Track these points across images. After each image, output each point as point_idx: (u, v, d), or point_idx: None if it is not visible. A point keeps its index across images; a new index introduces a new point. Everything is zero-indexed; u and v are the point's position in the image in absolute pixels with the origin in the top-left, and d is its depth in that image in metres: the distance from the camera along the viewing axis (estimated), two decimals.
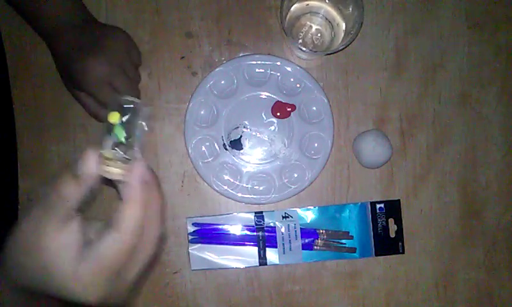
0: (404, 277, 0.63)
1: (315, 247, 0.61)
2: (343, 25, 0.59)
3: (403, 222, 0.63)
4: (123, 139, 0.34)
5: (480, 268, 0.64)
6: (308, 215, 0.62)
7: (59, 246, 0.31)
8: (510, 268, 0.64)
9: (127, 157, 0.34)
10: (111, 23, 0.61)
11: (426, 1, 0.64)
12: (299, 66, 0.61)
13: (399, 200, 0.63)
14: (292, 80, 0.62)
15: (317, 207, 0.62)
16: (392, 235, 0.62)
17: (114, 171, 0.33)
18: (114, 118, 0.33)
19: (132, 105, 0.34)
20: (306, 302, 0.62)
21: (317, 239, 0.61)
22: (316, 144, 0.62)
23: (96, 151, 0.33)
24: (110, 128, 0.33)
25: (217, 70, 0.61)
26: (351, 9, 0.57)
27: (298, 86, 0.62)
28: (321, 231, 0.62)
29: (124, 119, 0.34)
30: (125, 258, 0.32)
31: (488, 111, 0.64)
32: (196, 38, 0.63)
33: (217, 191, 0.61)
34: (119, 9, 0.62)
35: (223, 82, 0.61)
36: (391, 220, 0.63)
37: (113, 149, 0.33)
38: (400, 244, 0.62)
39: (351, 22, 0.57)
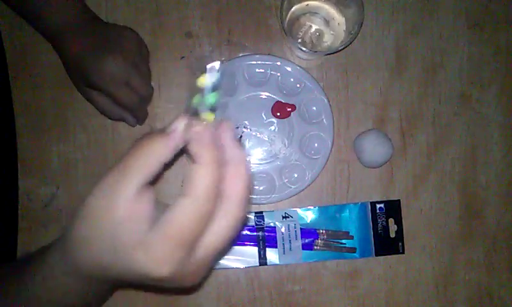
0: (404, 277, 0.63)
1: (315, 247, 0.61)
2: (343, 26, 0.59)
3: (403, 222, 0.63)
4: (212, 101, 0.31)
5: (480, 268, 0.64)
6: (308, 215, 0.62)
7: (131, 216, 0.29)
8: (510, 268, 0.64)
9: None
10: (111, 23, 0.61)
11: (426, 1, 0.64)
12: (299, 66, 0.61)
13: (399, 200, 0.63)
14: (292, 80, 0.62)
15: (317, 207, 0.62)
16: (392, 235, 0.62)
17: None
18: (203, 80, 0.31)
19: (214, 66, 0.32)
20: (306, 302, 0.62)
21: (317, 239, 0.61)
22: (316, 144, 0.62)
23: (186, 115, 0.30)
24: (194, 95, 0.31)
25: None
26: (350, 9, 0.57)
27: (298, 86, 0.62)
28: (321, 231, 0.62)
29: (212, 80, 0.31)
30: (199, 226, 0.29)
31: (487, 111, 0.64)
32: (196, 38, 0.63)
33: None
34: (119, 9, 0.62)
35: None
36: (391, 220, 0.63)
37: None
38: (400, 243, 0.62)
39: (351, 22, 0.57)
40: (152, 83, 0.62)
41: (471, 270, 0.64)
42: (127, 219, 0.29)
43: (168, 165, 0.30)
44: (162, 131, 0.30)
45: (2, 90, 0.61)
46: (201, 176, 0.29)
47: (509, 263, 0.64)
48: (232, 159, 0.30)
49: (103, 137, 0.62)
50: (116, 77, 0.53)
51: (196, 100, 0.31)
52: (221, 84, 0.32)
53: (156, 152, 0.29)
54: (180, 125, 0.30)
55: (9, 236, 0.60)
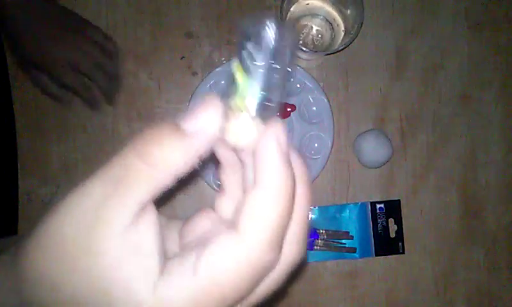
0: (404, 277, 0.63)
1: (316, 247, 0.61)
2: (343, 26, 0.59)
3: (403, 222, 0.63)
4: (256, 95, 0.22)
5: (480, 268, 0.64)
6: (309, 215, 0.62)
7: (128, 258, 0.18)
8: (510, 268, 0.64)
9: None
10: (111, 23, 0.61)
11: (426, 1, 0.64)
12: (299, 66, 0.61)
13: (399, 200, 0.63)
14: (292, 80, 0.62)
15: (317, 207, 0.62)
16: (392, 235, 0.62)
17: (246, 134, 0.20)
18: (238, 71, 0.23)
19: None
20: (306, 302, 0.62)
21: (318, 239, 0.61)
22: (316, 144, 0.62)
23: (221, 102, 0.21)
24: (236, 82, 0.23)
25: (217, 70, 0.61)
26: (351, 9, 0.57)
27: (298, 86, 0.62)
28: (321, 231, 0.62)
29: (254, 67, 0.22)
30: (253, 284, 0.19)
31: (488, 111, 0.64)
32: (196, 38, 0.63)
33: (217, 191, 0.61)
34: (119, 9, 0.62)
35: (223, 82, 0.61)
36: (391, 220, 0.63)
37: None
38: (400, 243, 0.62)
39: (351, 23, 0.57)
40: (152, 83, 0.62)
41: (471, 270, 0.64)
42: (124, 257, 0.18)
43: (183, 182, 0.20)
44: (178, 125, 0.19)
45: (2, 90, 0.61)
46: (266, 215, 0.18)
47: (509, 263, 0.64)
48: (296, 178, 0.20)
49: (103, 137, 0.62)
50: (63, 62, 0.52)
51: (242, 87, 0.22)
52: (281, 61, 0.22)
53: (168, 160, 0.19)
54: (214, 118, 0.20)
55: (9, 236, 0.60)
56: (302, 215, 0.20)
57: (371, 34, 0.63)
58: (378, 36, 0.64)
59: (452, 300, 0.63)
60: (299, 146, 0.62)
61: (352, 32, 0.55)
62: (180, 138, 0.19)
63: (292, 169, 0.19)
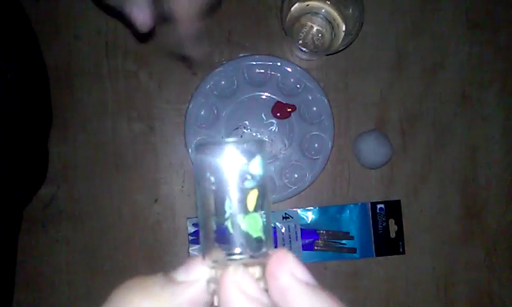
0: (405, 277, 0.63)
1: (316, 248, 0.61)
2: (343, 26, 0.59)
3: (403, 222, 0.63)
4: (261, 234, 0.21)
5: (481, 268, 0.64)
6: (309, 215, 0.62)
7: None
8: (510, 268, 0.64)
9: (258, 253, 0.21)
10: (111, 23, 0.61)
11: (426, 1, 0.64)
12: (299, 66, 0.61)
13: (399, 200, 0.63)
14: (292, 80, 0.62)
15: (317, 208, 0.62)
16: (392, 235, 0.62)
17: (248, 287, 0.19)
18: (252, 198, 0.20)
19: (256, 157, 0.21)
20: None
21: (318, 240, 0.61)
22: (316, 145, 0.62)
23: (207, 257, 0.21)
24: (234, 219, 0.20)
25: (217, 70, 0.61)
26: (351, 9, 0.57)
27: (298, 86, 0.61)
28: (322, 231, 0.61)
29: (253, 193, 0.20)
30: None
31: (488, 111, 0.64)
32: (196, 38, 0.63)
33: None
34: None
35: (223, 82, 0.61)
36: (391, 221, 0.62)
37: (238, 250, 0.20)
38: (400, 244, 0.62)
39: (351, 23, 0.57)
40: (152, 83, 0.62)
41: (471, 270, 0.64)
42: None
43: None
44: (168, 275, 0.21)
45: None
46: None
47: (509, 263, 0.64)
48: None
49: (103, 137, 0.62)
50: None
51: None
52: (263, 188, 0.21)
53: None
54: (204, 271, 0.21)
55: (9, 237, 0.60)
56: None
57: (371, 34, 0.63)
58: (378, 36, 0.64)
59: (453, 300, 0.63)
60: (299, 146, 0.62)
61: (353, 33, 0.55)
62: (170, 290, 0.20)
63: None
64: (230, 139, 0.20)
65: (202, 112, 0.61)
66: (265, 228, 0.21)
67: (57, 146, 0.61)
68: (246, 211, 0.20)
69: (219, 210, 0.21)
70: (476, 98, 0.64)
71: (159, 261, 0.61)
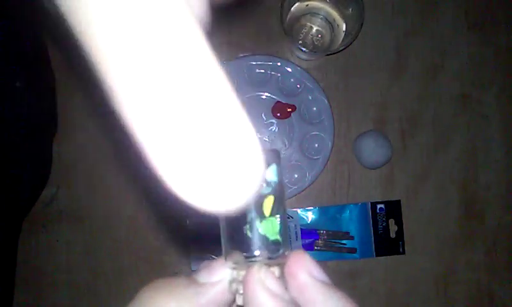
0: (405, 277, 0.63)
1: (316, 248, 0.61)
2: (343, 26, 0.59)
3: (403, 222, 0.63)
4: (278, 237, 0.22)
5: (481, 268, 0.64)
6: (309, 215, 0.62)
7: None
8: (510, 268, 0.64)
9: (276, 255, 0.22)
10: None
11: (426, 1, 0.64)
12: (299, 66, 0.61)
13: (399, 200, 0.63)
14: (292, 80, 0.62)
15: (317, 208, 0.62)
16: (393, 235, 0.62)
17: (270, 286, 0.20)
18: (268, 205, 0.22)
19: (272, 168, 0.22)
20: None
21: (318, 240, 0.61)
22: (316, 145, 0.62)
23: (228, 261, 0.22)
24: (252, 221, 0.21)
25: None
26: (351, 9, 0.57)
27: (298, 86, 0.62)
28: (322, 231, 0.62)
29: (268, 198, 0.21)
30: None
31: (488, 111, 0.64)
32: None
33: None
34: None
35: None
36: (391, 221, 0.63)
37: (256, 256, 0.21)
38: (400, 244, 0.62)
39: (351, 23, 0.57)
40: None
41: (471, 270, 0.64)
42: None
43: None
44: (191, 278, 0.22)
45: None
46: None
47: (509, 263, 0.64)
48: None
49: (103, 137, 0.62)
50: None
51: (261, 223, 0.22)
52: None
53: None
54: (226, 272, 0.21)
55: (9, 237, 0.60)
56: None
57: (371, 34, 0.63)
58: (378, 36, 0.64)
59: (453, 300, 0.63)
60: (299, 146, 0.62)
61: (353, 33, 0.55)
62: (191, 292, 0.21)
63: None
64: None
65: None
66: (282, 231, 0.22)
67: (57, 146, 0.61)
68: (263, 216, 0.22)
69: (238, 216, 0.22)
70: (476, 98, 0.64)
71: (159, 262, 0.61)
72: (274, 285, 0.20)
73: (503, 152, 0.64)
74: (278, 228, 0.22)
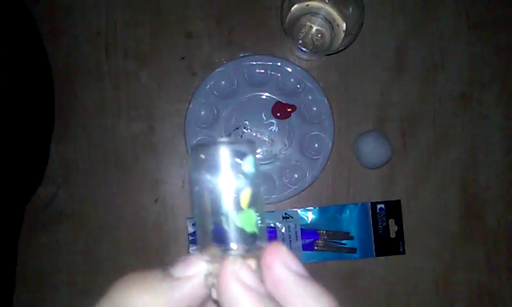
0: (405, 277, 0.63)
1: (316, 248, 0.61)
2: (343, 26, 0.59)
3: (403, 222, 0.63)
4: (255, 229, 0.21)
5: (481, 268, 0.64)
6: (309, 215, 0.62)
7: None
8: (510, 268, 0.64)
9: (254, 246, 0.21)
10: (111, 23, 0.61)
11: (426, 1, 0.64)
12: (299, 66, 0.61)
13: (399, 200, 0.63)
14: (292, 80, 0.62)
15: (317, 207, 0.62)
16: (393, 235, 0.62)
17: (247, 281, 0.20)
18: (245, 199, 0.21)
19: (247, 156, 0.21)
20: None
21: (318, 240, 0.61)
22: (316, 145, 0.62)
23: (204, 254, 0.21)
24: (227, 215, 0.21)
25: (217, 70, 0.61)
26: (351, 9, 0.57)
27: (298, 86, 0.62)
28: (322, 231, 0.61)
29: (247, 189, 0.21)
30: None
31: (488, 111, 0.64)
32: (196, 38, 0.63)
33: None
34: (119, 9, 0.62)
35: (223, 82, 0.61)
36: (391, 221, 0.63)
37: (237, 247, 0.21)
38: (400, 244, 0.62)
39: (351, 23, 0.57)
40: (152, 83, 0.62)
41: (471, 270, 0.64)
42: None
43: None
44: (166, 271, 0.21)
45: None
46: None
47: (509, 263, 0.64)
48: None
49: (103, 137, 0.62)
50: None
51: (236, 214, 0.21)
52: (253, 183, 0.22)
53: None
54: (200, 265, 0.21)
55: (9, 237, 0.60)
56: None
57: (371, 34, 0.63)
58: (378, 36, 0.64)
59: (452, 301, 0.63)
60: (299, 146, 0.62)
61: (353, 33, 0.55)
62: (165, 285, 0.20)
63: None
64: (223, 140, 0.21)
65: (202, 112, 0.61)
66: (259, 224, 0.22)
67: (57, 146, 0.61)
68: (239, 208, 0.21)
69: (214, 208, 0.22)
70: (476, 98, 0.64)
71: (159, 262, 0.61)
72: (248, 278, 0.19)
73: (503, 152, 0.64)
74: (254, 220, 0.21)
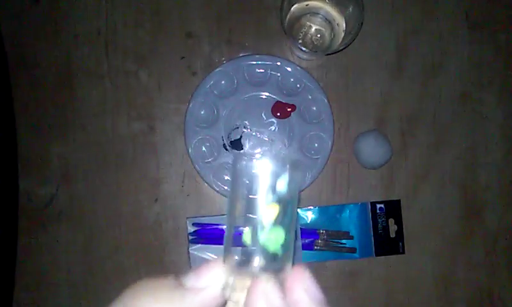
0: (404, 277, 0.63)
1: (316, 248, 0.61)
2: (343, 26, 0.59)
3: (403, 222, 0.62)
4: (278, 250, 0.21)
5: (481, 268, 0.64)
6: (309, 215, 0.62)
7: None
8: (510, 268, 0.64)
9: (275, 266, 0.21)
10: (111, 23, 0.61)
11: (426, 1, 0.64)
12: (299, 66, 0.61)
13: (399, 200, 0.63)
14: (292, 80, 0.62)
15: (317, 207, 0.62)
16: (392, 235, 0.62)
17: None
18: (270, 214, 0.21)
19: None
20: None
21: (318, 239, 0.61)
22: (316, 145, 0.62)
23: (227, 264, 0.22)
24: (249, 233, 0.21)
25: (217, 70, 0.61)
26: (351, 9, 0.57)
27: (298, 86, 0.62)
28: (321, 231, 0.61)
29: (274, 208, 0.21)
30: None
31: (488, 111, 0.64)
32: (196, 38, 0.63)
33: (217, 191, 0.61)
34: (119, 9, 0.62)
35: (223, 82, 0.61)
36: (391, 221, 0.62)
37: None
38: (400, 244, 0.62)
39: (351, 22, 0.57)
40: (152, 83, 0.62)
41: (471, 270, 0.64)
42: None
43: None
44: (179, 280, 0.22)
45: (2, 90, 0.61)
46: None
47: (509, 263, 0.64)
48: None
49: (102, 137, 0.62)
50: None
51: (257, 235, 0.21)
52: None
53: None
54: (211, 277, 0.21)
55: (9, 237, 0.60)
56: None
57: (371, 34, 0.63)
58: (378, 36, 0.64)
59: (452, 301, 0.63)
60: (299, 146, 0.62)
61: (353, 33, 0.55)
62: (187, 297, 0.20)
63: None
64: (265, 156, 0.22)
65: (202, 112, 0.61)
66: (283, 244, 0.21)
67: (57, 146, 0.61)
68: (264, 225, 0.21)
69: (242, 218, 0.22)
70: (476, 98, 0.64)
71: (159, 261, 0.61)
72: (277, 300, 0.20)
73: (503, 152, 0.64)
74: (279, 240, 0.21)
